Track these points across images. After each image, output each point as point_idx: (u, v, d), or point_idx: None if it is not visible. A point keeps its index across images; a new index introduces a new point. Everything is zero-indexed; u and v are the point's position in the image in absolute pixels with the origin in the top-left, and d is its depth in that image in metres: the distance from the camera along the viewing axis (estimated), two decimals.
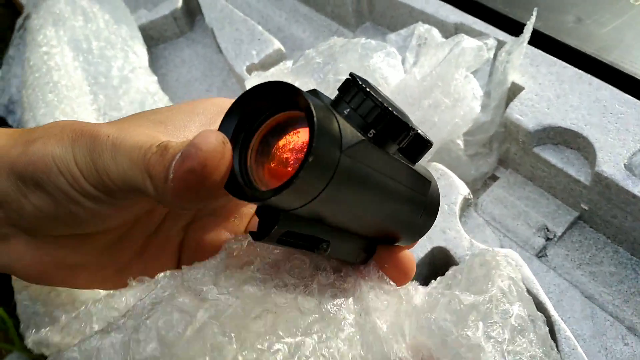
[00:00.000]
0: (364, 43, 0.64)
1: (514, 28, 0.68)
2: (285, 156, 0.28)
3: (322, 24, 0.86)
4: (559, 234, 0.60)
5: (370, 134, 0.28)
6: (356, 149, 0.27)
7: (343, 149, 0.26)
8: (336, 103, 0.29)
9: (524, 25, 0.67)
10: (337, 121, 0.26)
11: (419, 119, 0.55)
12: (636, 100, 0.58)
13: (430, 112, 0.55)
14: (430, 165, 0.59)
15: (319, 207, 0.27)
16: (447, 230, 0.54)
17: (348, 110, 0.28)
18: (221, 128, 0.28)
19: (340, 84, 0.28)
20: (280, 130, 0.29)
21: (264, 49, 0.76)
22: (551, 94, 0.61)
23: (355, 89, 0.28)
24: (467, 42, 0.54)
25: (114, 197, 0.29)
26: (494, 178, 0.67)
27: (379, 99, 0.28)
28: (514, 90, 0.64)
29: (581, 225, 0.62)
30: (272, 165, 0.28)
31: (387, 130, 0.28)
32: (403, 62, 0.68)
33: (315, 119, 0.24)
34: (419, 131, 0.31)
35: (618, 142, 0.56)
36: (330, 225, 0.30)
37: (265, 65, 0.76)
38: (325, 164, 0.25)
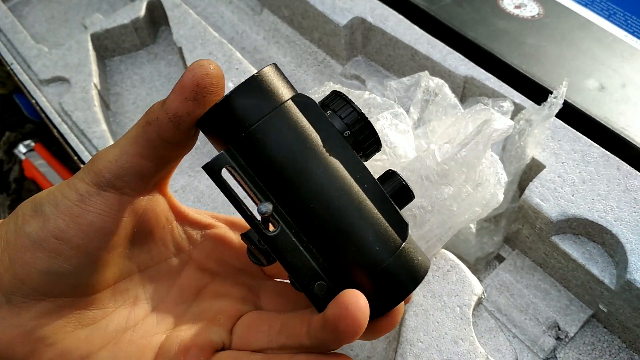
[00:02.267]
0: (367, 98, 0.54)
1: (531, 90, 0.60)
2: None
3: (306, 50, 0.76)
4: (572, 334, 0.54)
5: (346, 133, 0.29)
6: (314, 110, 0.29)
7: (295, 96, 0.28)
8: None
9: (544, 87, 0.59)
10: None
11: (436, 207, 0.46)
12: None
13: (450, 201, 0.46)
14: (440, 253, 0.51)
15: (263, 143, 0.27)
16: (459, 341, 0.46)
17: (329, 112, 0.30)
18: None
19: (304, 96, 0.29)
20: None
21: (242, 81, 0.64)
22: (576, 178, 0.53)
23: (338, 98, 0.30)
24: (499, 122, 0.46)
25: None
26: (498, 258, 0.60)
27: (359, 109, 0.30)
28: (532, 166, 0.56)
29: (594, 324, 0.55)
30: None
31: (362, 134, 0.29)
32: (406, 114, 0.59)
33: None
34: (403, 181, 0.31)
35: None
36: (277, 194, 0.28)
37: None
38: (274, 90, 0.28)
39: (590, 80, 0.62)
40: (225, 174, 0.28)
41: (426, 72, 0.61)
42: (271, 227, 0.28)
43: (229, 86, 0.64)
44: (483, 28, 0.67)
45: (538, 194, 0.53)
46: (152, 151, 0.29)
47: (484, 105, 0.58)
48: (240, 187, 0.30)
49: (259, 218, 0.28)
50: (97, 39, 0.72)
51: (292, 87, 0.29)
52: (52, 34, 0.81)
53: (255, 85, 0.28)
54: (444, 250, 0.51)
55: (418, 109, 0.59)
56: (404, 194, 0.31)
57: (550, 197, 0.53)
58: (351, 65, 0.73)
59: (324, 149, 0.28)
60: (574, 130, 0.56)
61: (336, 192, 0.28)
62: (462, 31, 0.67)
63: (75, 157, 0.59)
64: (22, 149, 0.92)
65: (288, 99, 0.28)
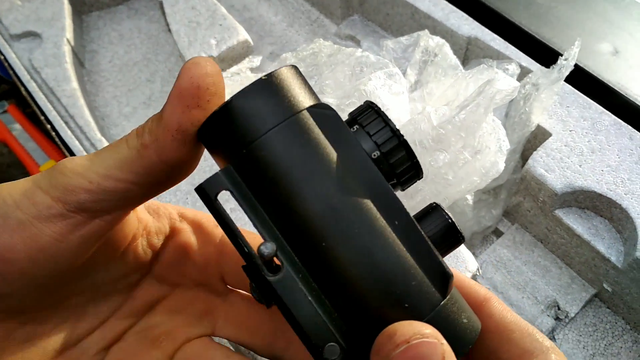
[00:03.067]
0: (359, 57, 0.49)
1: (540, 52, 0.55)
2: None
3: (299, 8, 0.71)
4: (572, 314, 0.50)
5: (374, 155, 0.23)
6: (334, 123, 0.23)
7: (313, 106, 0.23)
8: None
9: (553, 50, 0.55)
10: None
11: (430, 176, 0.42)
12: None
13: (445, 169, 0.42)
14: None
15: (266, 163, 0.22)
16: None
17: (356, 127, 0.24)
18: None
19: (325, 106, 0.23)
20: None
21: (225, 38, 0.60)
22: (584, 147, 0.49)
23: (369, 110, 0.24)
24: (503, 82, 0.41)
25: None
26: (496, 232, 0.56)
27: (394, 124, 0.24)
28: (537, 134, 0.52)
29: (597, 304, 0.52)
30: None
31: (394, 156, 0.23)
32: (402, 75, 0.55)
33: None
34: (449, 219, 0.24)
35: None
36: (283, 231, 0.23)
37: (226, 59, 0.60)
38: (286, 98, 0.22)
39: (603, 44, 0.57)
40: (226, 195, 0.23)
41: (426, 31, 0.56)
42: (277, 263, 0.23)
43: (211, 43, 0.59)
44: None
45: (542, 164, 0.49)
46: (150, 178, 0.24)
47: (489, 67, 0.54)
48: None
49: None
50: None
51: (312, 94, 0.24)
52: None
53: (262, 90, 0.22)
54: None
55: (416, 71, 0.55)
56: (449, 236, 0.24)
57: (555, 168, 0.48)
58: (346, 25, 0.68)
59: (344, 174, 0.22)
60: (584, 96, 0.52)
61: (355, 229, 0.22)
62: None
63: (43, 117, 0.55)
64: None
65: (302, 109, 0.22)
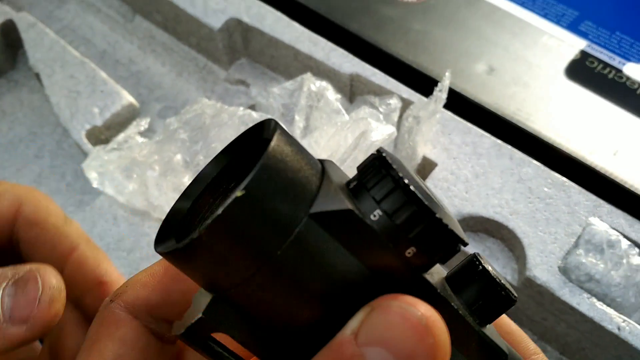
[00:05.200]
0: (242, 115, 0.50)
1: (419, 82, 0.57)
2: None
3: (186, 56, 0.70)
4: None
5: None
6: (350, 224, 0.17)
7: (313, 210, 0.16)
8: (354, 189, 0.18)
9: (431, 78, 0.56)
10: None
11: None
12: (564, 179, 0.50)
13: None
14: None
15: (260, 299, 0.17)
16: None
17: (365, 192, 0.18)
18: None
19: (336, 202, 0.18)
20: None
21: (108, 105, 0.58)
22: (469, 173, 0.51)
23: (380, 170, 0.17)
24: (377, 132, 0.42)
25: None
26: None
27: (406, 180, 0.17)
28: (425, 165, 0.53)
29: None
30: None
31: (427, 239, 0.17)
32: (291, 122, 0.55)
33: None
34: (503, 282, 0.19)
35: (549, 236, 0.48)
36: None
37: (112, 126, 0.59)
38: (273, 215, 0.16)
39: (479, 64, 0.59)
40: None
41: (309, 74, 0.57)
42: None
43: (95, 112, 0.58)
44: (366, 18, 0.63)
45: None
46: None
47: (372, 104, 0.55)
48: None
49: None
50: None
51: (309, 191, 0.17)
52: None
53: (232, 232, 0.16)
54: None
55: (303, 117, 0.55)
56: (496, 301, 0.19)
57: (444, 197, 0.50)
58: (235, 69, 0.68)
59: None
60: (464, 122, 0.54)
61: None
62: (344, 24, 0.63)
63: None
64: None
65: (303, 221, 0.16)
